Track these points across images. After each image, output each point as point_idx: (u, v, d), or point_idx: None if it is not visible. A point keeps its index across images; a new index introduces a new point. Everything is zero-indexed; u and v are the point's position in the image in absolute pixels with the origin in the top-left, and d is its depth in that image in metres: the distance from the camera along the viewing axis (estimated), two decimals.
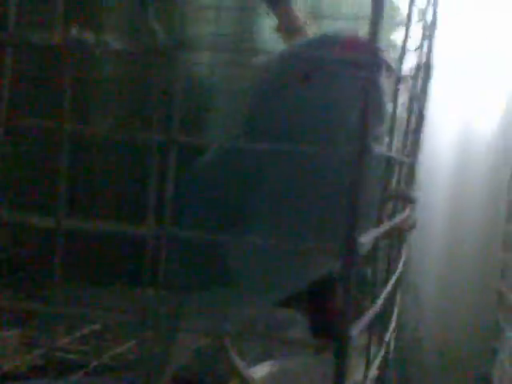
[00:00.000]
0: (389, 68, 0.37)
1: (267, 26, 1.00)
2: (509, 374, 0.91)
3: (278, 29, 0.79)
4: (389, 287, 0.38)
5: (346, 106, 0.41)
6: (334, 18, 1.03)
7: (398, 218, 0.42)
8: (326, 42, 0.43)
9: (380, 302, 0.34)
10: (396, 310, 0.47)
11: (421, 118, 0.51)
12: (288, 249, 0.40)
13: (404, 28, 0.37)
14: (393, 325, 0.45)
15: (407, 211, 0.47)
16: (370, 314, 0.30)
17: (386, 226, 0.36)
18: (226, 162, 0.47)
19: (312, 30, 0.77)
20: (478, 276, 1.08)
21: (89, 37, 0.25)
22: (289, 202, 0.42)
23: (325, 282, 0.55)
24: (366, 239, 0.26)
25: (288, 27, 0.77)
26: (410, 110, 0.45)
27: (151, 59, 0.27)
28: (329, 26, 1.02)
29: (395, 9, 1.04)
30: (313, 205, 0.42)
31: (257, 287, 0.48)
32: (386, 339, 0.42)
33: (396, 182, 0.45)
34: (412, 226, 0.48)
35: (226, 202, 0.45)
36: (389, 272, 0.42)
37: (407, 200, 0.47)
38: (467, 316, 1.08)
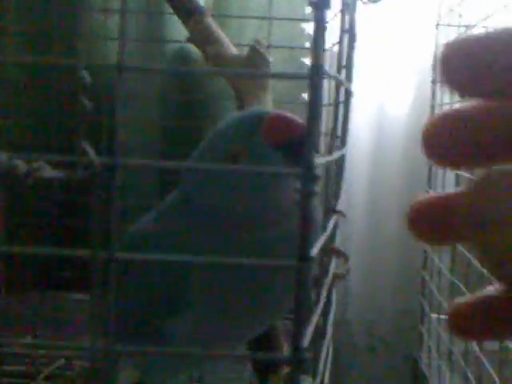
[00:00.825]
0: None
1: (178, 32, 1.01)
2: (435, 357, 0.95)
3: (191, 40, 0.80)
4: (325, 291, 0.40)
5: (273, 188, 0.42)
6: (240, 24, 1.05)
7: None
8: (254, 120, 0.43)
9: (319, 308, 0.36)
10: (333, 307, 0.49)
11: (347, 106, 0.50)
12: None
13: None
14: (331, 321, 0.47)
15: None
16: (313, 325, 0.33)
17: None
18: (163, 237, 0.46)
19: (225, 39, 0.78)
20: (401, 261, 1.12)
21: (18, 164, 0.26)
22: (223, 279, 0.42)
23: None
24: (316, 251, 0.29)
25: (200, 38, 0.78)
26: (336, 102, 0.44)
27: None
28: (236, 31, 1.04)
29: None
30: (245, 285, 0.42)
31: (193, 357, 0.48)
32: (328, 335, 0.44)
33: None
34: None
35: (162, 276, 0.44)
36: (322, 276, 0.43)
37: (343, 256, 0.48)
38: (393, 299, 1.12)
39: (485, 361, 0.72)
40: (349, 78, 0.46)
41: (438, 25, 0.92)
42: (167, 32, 1.06)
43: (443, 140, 0.23)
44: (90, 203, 0.28)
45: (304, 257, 0.28)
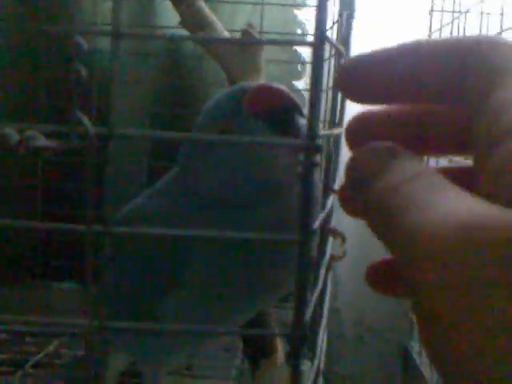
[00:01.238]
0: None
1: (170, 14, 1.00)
2: None
3: (182, 24, 0.79)
4: (322, 277, 0.39)
5: (267, 161, 0.40)
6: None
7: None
8: (238, 94, 0.42)
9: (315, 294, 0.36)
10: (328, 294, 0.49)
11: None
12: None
13: None
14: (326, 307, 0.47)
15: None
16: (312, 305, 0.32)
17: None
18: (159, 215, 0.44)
19: (217, 24, 0.77)
20: None
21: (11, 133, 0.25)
22: (220, 256, 0.41)
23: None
24: (317, 224, 0.28)
25: (192, 23, 0.77)
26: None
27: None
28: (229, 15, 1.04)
29: None
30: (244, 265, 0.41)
31: (188, 339, 0.47)
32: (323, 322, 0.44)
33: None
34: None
35: (158, 254, 0.43)
36: (319, 257, 0.43)
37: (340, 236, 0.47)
38: None
39: None
40: (347, 55, 0.46)
41: (431, 11, 0.92)
42: (158, 18, 1.05)
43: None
44: (83, 174, 0.27)
45: (305, 230, 0.27)
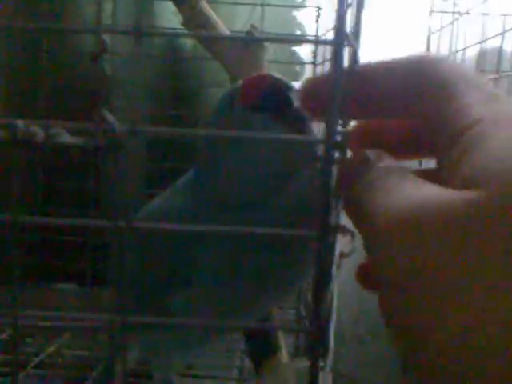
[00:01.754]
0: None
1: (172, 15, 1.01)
2: None
3: (185, 24, 0.79)
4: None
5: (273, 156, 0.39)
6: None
7: None
8: (233, 92, 0.41)
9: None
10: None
11: None
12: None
13: None
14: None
15: None
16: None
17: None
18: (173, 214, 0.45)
19: (220, 24, 0.78)
20: None
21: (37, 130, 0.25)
22: (232, 256, 0.41)
23: None
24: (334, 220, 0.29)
25: (195, 23, 0.77)
26: None
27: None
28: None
29: None
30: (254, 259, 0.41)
31: (200, 335, 0.47)
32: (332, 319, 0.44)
33: None
34: None
35: (171, 251, 0.43)
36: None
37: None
38: None
39: None
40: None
41: (431, 12, 0.92)
42: (158, 19, 1.05)
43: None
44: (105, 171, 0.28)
45: (325, 225, 0.27)
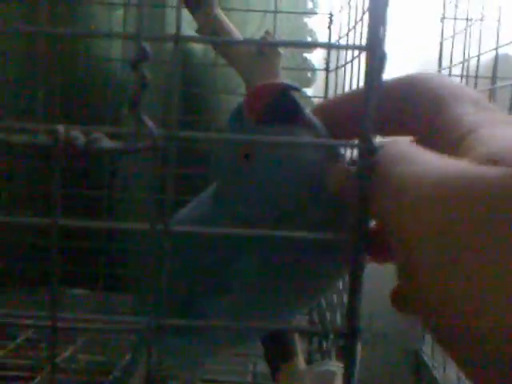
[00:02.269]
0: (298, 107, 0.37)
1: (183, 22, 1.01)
2: (440, 350, 0.96)
3: (200, 31, 0.79)
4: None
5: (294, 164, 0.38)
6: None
7: None
8: (241, 106, 0.40)
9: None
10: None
11: None
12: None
13: None
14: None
15: None
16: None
17: None
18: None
19: (234, 31, 0.78)
20: None
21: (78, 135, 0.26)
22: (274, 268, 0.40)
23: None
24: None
25: (210, 30, 0.78)
26: None
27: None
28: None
29: None
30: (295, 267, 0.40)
31: (231, 339, 0.48)
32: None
33: None
34: None
35: (208, 263, 0.43)
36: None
37: None
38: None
39: None
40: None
41: (443, 18, 0.93)
42: (170, 26, 1.06)
43: None
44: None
45: (362, 229, 0.28)
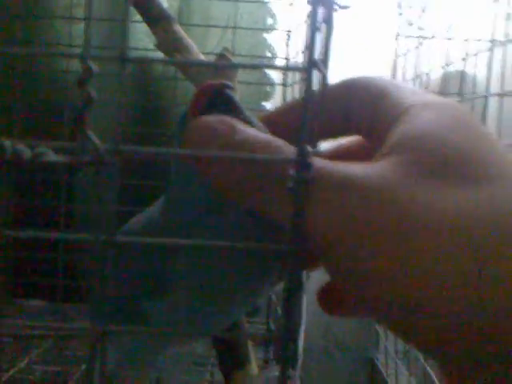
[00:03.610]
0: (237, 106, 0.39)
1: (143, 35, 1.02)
2: (393, 358, 0.98)
3: (159, 46, 0.81)
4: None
5: None
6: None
7: None
8: (186, 109, 0.40)
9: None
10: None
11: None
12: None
13: None
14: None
15: None
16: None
17: None
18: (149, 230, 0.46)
19: (193, 47, 0.80)
20: None
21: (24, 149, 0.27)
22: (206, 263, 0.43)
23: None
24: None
25: (169, 46, 0.79)
26: None
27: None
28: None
29: None
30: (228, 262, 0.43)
31: (175, 339, 0.49)
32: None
33: None
34: None
35: (147, 266, 0.45)
36: None
37: None
38: None
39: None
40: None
41: (397, 36, 0.95)
42: (130, 40, 1.07)
43: None
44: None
45: (298, 240, 0.29)
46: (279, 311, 0.91)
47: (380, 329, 1.07)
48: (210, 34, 1.10)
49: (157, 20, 0.79)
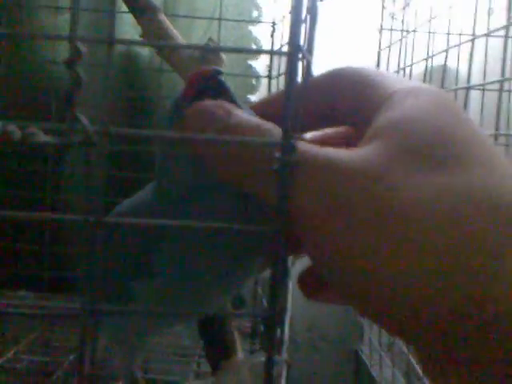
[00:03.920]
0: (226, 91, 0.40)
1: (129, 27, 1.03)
2: (377, 350, 0.99)
3: (144, 36, 0.81)
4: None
5: None
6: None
7: None
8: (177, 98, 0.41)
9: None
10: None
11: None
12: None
13: None
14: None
15: None
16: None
17: None
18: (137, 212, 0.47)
19: (178, 37, 0.80)
20: None
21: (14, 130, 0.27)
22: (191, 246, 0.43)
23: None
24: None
25: (154, 36, 0.79)
26: None
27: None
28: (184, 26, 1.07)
29: None
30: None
31: (162, 321, 0.50)
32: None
33: None
34: None
35: (132, 249, 0.46)
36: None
37: None
38: None
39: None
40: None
41: (381, 29, 0.96)
42: (116, 31, 1.07)
43: None
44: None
45: (283, 218, 0.30)
46: (265, 303, 0.91)
47: (364, 321, 1.08)
48: (195, 25, 1.11)
49: (142, 10, 0.79)
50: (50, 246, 1.01)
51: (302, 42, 0.31)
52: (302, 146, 0.28)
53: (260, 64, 1.11)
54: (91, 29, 1.08)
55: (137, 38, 0.87)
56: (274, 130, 0.30)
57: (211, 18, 1.06)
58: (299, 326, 1.17)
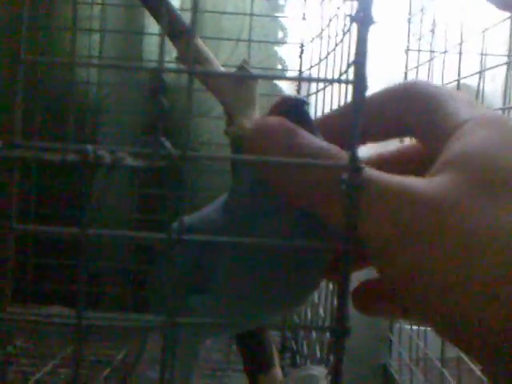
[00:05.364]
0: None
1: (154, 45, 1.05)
2: (407, 364, 1.00)
3: (180, 59, 0.83)
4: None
5: None
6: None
7: None
8: None
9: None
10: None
11: None
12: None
13: None
14: None
15: None
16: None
17: None
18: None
19: (214, 59, 0.82)
20: (369, 272, 1.16)
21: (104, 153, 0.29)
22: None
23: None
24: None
25: (190, 58, 0.81)
26: None
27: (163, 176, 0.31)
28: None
29: None
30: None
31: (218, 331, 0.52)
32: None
33: None
34: None
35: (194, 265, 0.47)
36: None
37: None
38: None
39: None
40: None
41: (407, 50, 0.98)
42: (144, 51, 1.10)
43: None
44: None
45: (350, 239, 0.32)
46: (321, 313, 0.92)
47: (393, 335, 1.09)
48: (221, 46, 1.13)
49: (179, 33, 0.81)
50: (86, 260, 1.02)
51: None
52: (371, 171, 0.29)
53: (285, 84, 1.14)
54: (118, 48, 1.11)
55: (169, 59, 0.89)
56: (340, 154, 0.31)
57: (238, 40, 1.08)
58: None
